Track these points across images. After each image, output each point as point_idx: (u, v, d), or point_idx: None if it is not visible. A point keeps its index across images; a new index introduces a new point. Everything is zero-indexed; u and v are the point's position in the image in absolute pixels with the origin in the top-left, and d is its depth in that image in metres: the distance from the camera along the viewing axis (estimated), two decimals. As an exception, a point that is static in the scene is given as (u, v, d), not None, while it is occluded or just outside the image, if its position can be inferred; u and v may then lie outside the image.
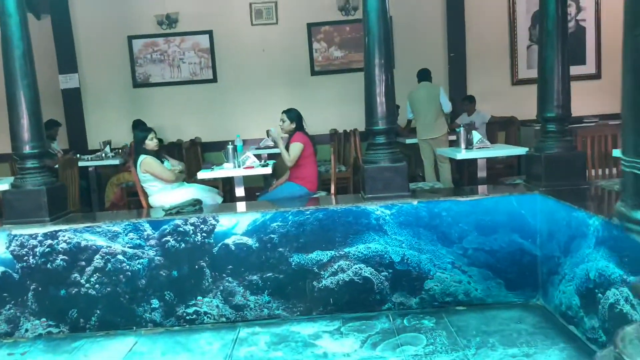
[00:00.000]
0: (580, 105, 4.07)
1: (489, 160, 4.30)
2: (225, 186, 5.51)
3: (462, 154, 4.21)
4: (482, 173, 4.16)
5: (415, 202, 3.12)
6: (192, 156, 5.87)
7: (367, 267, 3.14)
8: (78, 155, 5.62)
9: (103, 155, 5.74)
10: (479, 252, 3.14)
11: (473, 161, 5.13)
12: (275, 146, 6.15)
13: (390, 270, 3.14)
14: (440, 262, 3.14)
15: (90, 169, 5.70)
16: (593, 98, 6.65)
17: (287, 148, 4.16)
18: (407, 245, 3.13)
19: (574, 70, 3.33)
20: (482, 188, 3.64)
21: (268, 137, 6.38)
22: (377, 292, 3.15)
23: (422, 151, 5.78)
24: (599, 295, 2.43)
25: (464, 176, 5.96)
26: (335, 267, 3.15)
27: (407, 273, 3.14)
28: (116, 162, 5.64)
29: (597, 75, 7.05)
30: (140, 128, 4.69)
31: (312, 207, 3.17)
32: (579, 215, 2.64)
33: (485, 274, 3.14)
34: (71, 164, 4.54)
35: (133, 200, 5.45)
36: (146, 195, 4.02)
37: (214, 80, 7.05)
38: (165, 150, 5.21)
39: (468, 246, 3.14)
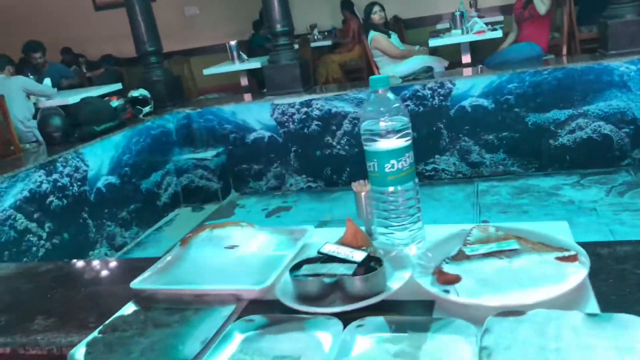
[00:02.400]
0: None
1: None
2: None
3: None
4: None
5: (667, 55, 3.02)
6: (397, 32, 5.99)
7: (606, 124, 3.18)
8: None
9: (314, 37, 6.10)
10: None
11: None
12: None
13: (632, 127, 3.15)
14: (690, 117, 3.07)
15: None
16: None
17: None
18: (653, 101, 3.09)
19: None
20: None
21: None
22: (617, 149, 3.20)
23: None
24: None
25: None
26: (573, 125, 3.24)
27: (650, 129, 3.13)
28: (327, 42, 5.99)
29: None
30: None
31: (550, 67, 3.22)
32: None
33: None
34: (306, 43, 5.00)
35: (350, 78, 5.81)
36: (377, 68, 4.34)
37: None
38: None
39: None
